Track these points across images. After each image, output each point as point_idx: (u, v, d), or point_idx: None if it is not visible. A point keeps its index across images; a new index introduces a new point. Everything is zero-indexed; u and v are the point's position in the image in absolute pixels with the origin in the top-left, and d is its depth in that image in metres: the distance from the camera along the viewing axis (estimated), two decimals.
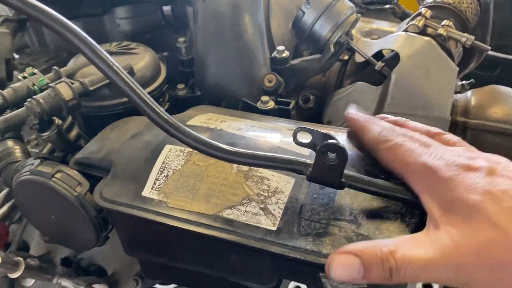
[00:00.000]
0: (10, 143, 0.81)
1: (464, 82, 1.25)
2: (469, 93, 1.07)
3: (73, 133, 0.92)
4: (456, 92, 1.11)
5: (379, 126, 0.56)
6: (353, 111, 0.61)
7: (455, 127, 0.95)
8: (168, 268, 0.71)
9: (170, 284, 0.80)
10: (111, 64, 0.51)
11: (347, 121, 0.62)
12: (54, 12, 0.52)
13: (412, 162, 0.50)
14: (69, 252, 0.90)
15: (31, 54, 1.18)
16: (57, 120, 0.79)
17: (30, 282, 0.84)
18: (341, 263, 0.47)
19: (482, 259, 0.42)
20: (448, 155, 0.50)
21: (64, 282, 0.77)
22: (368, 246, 0.47)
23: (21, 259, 0.71)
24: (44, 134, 0.78)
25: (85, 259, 0.92)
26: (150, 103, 0.53)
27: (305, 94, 1.00)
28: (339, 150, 0.51)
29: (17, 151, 0.79)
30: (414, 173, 0.51)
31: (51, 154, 0.84)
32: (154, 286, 0.80)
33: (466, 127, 0.95)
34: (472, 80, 1.26)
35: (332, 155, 0.52)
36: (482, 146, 0.95)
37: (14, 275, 0.70)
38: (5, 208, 0.80)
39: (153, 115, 0.53)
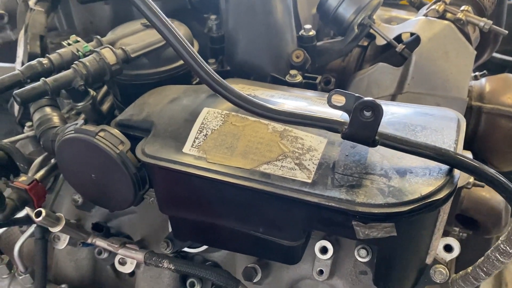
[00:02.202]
0: (48, 110, 0.85)
1: (477, 73, 1.29)
2: (483, 80, 1.11)
3: (106, 105, 0.96)
4: None
5: None
6: None
7: (470, 112, 1.00)
8: (199, 228, 0.74)
9: (198, 247, 0.83)
10: (169, 26, 0.56)
11: None
12: None
13: None
14: (98, 218, 0.94)
15: (61, 35, 1.23)
16: (92, 92, 0.83)
17: (62, 244, 0.88)
18: None
19: None
20: None
21: (99, 241, 0.81)
22: None
23: (62, 215, 0.75)
24: (79, 104, 0.82)
25: (113, 227, 0.96)
26: (200, 61, 0.57)
27: (326, 77, 1.04)
28: (375, 107, 0.55)
29: (55, 118, 0.83)
30: None
31: None
32: (183, 250, 0.83)
33: (481, 112, 0.99)
34: (485, 71, 1.30)
35: (367, 113, 0.56)
36: (496, 130, 1.00)
37: (55, 229, 0.73)
38: (42, 171, 0.83)
39: (202, 73, 0.58)
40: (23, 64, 1.01)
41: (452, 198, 0.59)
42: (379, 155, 0.60)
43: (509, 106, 1.04)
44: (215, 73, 0.58)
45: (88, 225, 0.94)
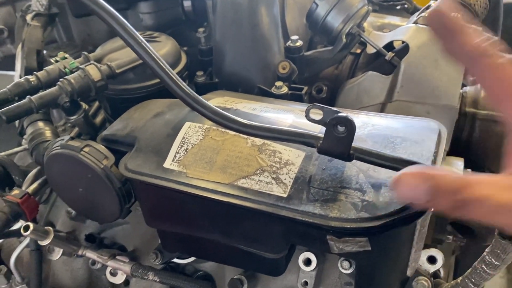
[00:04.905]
0: (41, 124, 0.87)
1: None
2: (478, 85, 1.09)
3: (99, 118, 0.98)
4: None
5: (482, 36, 0.46)
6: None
7: (465, 118, 0.98)
8: (185, 240, 0.75)
9: (187, 257, 0.84)
10: (143, 44, 0.57)
11: (438, 9, 0.46)
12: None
13: None
14: (93, 229, 0.96)
15: (60, 48, 1.25)
16: (84, 105, 0.84)
17: (56, 255, 0.90)
18: (410, 182, 0.42)
19: None
20: None
21: (89, 253, 0.82)
22: (444, 172, 0.42)
23: (51, 228, 0.77)
24: (72, 117, 0.83)
25: (107, 238, 0.98)
26: (175, 79, 0.58)
27: (318, 85, 1.04)
28: (348, 123, 0.55)
29: (48, 132, 0.86)
30: None
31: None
32: (173, 260, 0.84)
33: (475, 118, 0.98)
34: None
35: (341, 128, 0.56)
36: (491, 136, 0.99)
37: (43, 243, 0.75)
38: (35, 184, 0.86)
39: (177, 90, 0.59)
40: (20, 78, 1.05)
41: (429, 212, 0.58)
42: (356, 169, 0.61)
43: None
44: (190, 89, 0.59)
45: (83, 235, 0.96)
